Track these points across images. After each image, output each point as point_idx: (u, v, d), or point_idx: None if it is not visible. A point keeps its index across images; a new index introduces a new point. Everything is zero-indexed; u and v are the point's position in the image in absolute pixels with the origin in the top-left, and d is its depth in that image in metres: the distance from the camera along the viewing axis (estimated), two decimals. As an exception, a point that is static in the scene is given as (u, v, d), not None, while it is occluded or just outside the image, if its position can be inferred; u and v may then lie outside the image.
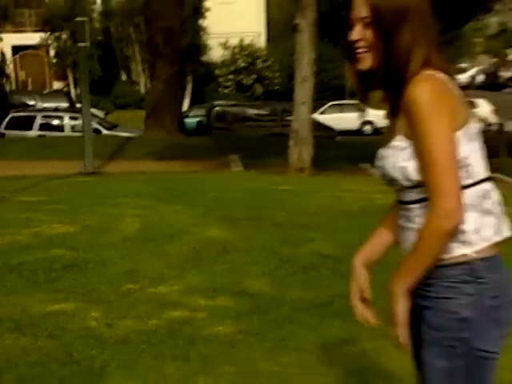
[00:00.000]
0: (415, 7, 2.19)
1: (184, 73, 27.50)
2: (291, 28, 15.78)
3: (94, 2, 39.36)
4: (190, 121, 27.02)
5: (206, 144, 20.59)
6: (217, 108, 27.95)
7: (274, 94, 38.13)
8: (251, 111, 27.33)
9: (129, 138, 21.71)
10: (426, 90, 2.12)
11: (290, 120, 15.82)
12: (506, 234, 2.23)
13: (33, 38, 40.30)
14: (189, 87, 36.18)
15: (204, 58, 40.52)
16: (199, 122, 27.00)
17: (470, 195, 2.16)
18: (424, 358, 2.29)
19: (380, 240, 2.52)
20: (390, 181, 2.27)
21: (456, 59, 56.53)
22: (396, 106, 2.24)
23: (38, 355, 4.55)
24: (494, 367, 2.22)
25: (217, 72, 40.55)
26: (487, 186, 2.22)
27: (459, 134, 2.15)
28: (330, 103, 32.80)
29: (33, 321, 5.16)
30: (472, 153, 2.19)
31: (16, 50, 41.97)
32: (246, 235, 7.49)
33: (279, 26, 45.97)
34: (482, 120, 32.88)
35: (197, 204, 9.37)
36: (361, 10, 2.20)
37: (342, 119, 29.40)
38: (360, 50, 2.22)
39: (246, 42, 41.41)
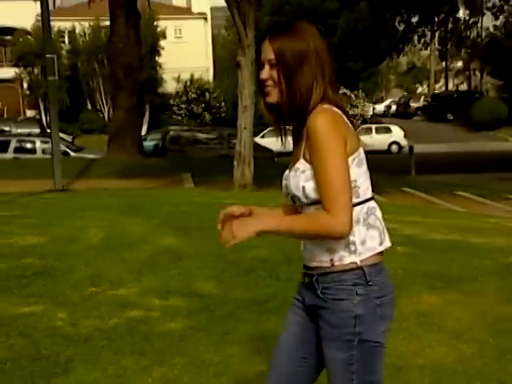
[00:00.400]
0: (314, 51, 2.25)
1: (142, 102, 27.30)
2: (235, 64, 15.84)
3: (63, 41, 39.04)
4: (148, 144, 26.84)
5: (162, 164, 20.55)
6: (171, 132, 27.87)
7: (220, 120, 38.29)
8: (201, 135, 27.31)
9: (94, 159, 21.44)
10: (325, 121, 2.18)
11: (235, 143, 15.85)
12: (387, 244, 2.33)
13: (8, 72, 39.74)
14: (147, 115, 35.96)
15: (160, 90, 40.44)
16: (156, 145, 26.85)
17: (357, 212, 2.25)
18: (325, 354, 2.34)
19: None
20: (292, 198, 2.34)
21: (373, 92, 57.64)
22: (298, 134, 2.31)
23: (10, 352, 4.44)
24: (382, 355, 2.33)
25: (171, 102, 40.54)
26: (372, 204, 2.32)
27: (351, 159, 2.22)
28: (269, 128, 32.99)
29: (5, 321, 5.05)
30: (360, 176, 2.28)
31: (-6, 83, 41.37)
32: (196, 243, 7.42)
33: (224, 62, 46.33)
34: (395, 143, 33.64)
35: (153, 216, 9.27)
36: (268, 53, 2.26)
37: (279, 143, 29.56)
38: (268, 87, 2.28)
39: (196, 76, 41.51)
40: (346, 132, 2.22)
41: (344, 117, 2.25)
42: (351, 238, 2.24)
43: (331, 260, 2.27)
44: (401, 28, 37.41)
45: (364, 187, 2.30)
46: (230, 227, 2.29)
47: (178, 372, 4.10)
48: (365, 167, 2.31)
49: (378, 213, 2.34)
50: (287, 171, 2.35)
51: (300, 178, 2.25)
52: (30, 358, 4.33)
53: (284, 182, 2.37)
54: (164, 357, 4.33)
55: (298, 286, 2.51)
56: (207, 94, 40.89)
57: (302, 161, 2.27)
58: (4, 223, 9.06)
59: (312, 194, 2.23)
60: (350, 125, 2.26)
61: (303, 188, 2.24)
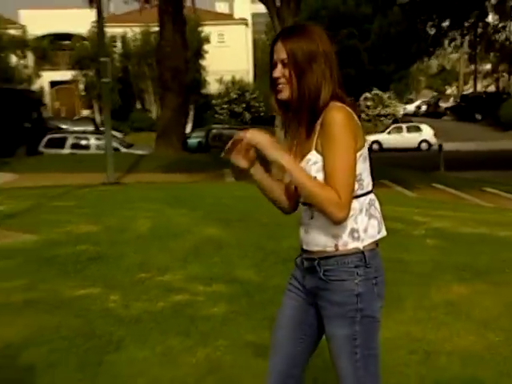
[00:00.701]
0: (323, 52, 2.30)
1: (188, 102, 27.41)
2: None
3: (116, 46, 39.41)
4: (192, 141, 27.02)
5: (205, 160, 20.61)
6: (214, 130, 28.01)
7: (259, 119, 38.23)
8: (241, 133, 27.32)
9: (142, 155, 21.67)
10: (342, 116, 2.25)
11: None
12: (384, 233, 2.41)
13: (66, 74, 40.48)
14: (191, 114, 36.10)
15: (203, 91, 40.66)
16: (199, 142, 26.99)
17: (361, 202, 2.34)
18: (328, 332, 2.41)
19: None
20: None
21: (404, 92, 56.91)
22: (310, 128, 2.34)
23: (67, 331, 4.51)
24: (379, 329, 2.41)
25: (213, 102, 40.69)
26: (372, 196, 2.39)
27: (358, 154, 2.29)
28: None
29: (63, 303, 5.13)
30: (364, 170, 2.35)
31: (53, 84, 42.05)
32: (237, 234, 7.44)
33: (264, 65, 46.12)
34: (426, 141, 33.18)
35: (197, 208, 9.31)
36: (281, 53, 2.31)
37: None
38: (280, 85, 2.34)
39: (237, 78, 41.58)
40: (356, 129, 2.28)
41: (354, 115, 2.31)
42: (355, 225, 2.32)
43: (336, 245, 2.33)
44: (432, 32, 36.77)
45: (367, 181, 2.36)
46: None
47: (221, 353, 4.11)
48: (368, 163, 2.38)
49: (377, 204, 2.41)
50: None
51: (311, 169, 2.31)
52: (84, 337, 4.39)
53: None
54: (208, 338, 4.35)
55: (293, 272, 2.56)
56: (247, 94, 40.92)
57: (313, 152, 2.32)
58: (61, 213, 9.21)
59: None
60: (359, 123, 2.33)
61: (314, 178, 2.28)
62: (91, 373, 3.89)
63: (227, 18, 47.81)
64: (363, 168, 2.34)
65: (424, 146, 33.59)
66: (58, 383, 3.81)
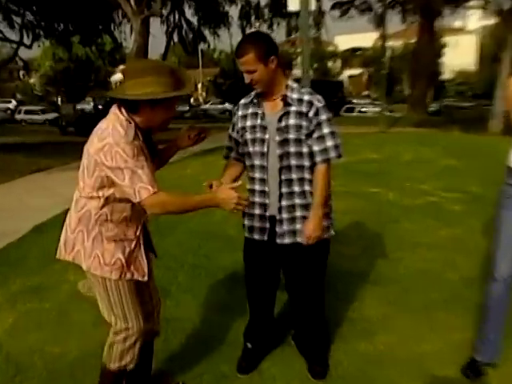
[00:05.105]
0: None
1: (430, 85, 24.25)
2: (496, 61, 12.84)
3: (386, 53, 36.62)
4: (431, 109, 23.13)
5: (439, 120, 17.53)
6: (445, 103, 24.49)
7: (477, 96, 32.07)
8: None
9: (399, 117, 19.63)
10: None
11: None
12: None
13: (356, 71, 39.25)
14: (431, 92, 32.14)
15: (440, 78, 35.52)
16: (435, 110, 23.74)
17: None
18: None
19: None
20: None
21: None
22: None
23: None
24: None
25: (446, 84, 35.49)
26: None
27: None
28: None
29: (364, 194, 4.93)
30: None
31: (349, 77, 40.99)
32: (469, 163, 6.42)
33: (485, 58, 38.19)
34: None
35: (437, 146, 8.12)
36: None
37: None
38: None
39: (464, 69, 35.39)
40: None
41: None
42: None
43: None
44: None
45: None
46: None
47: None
48: None
49: None
50: None
51: None
52: (375, 214, 4.12)
53: None
54: (450, 222, 3.87)
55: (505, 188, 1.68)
56: (470, 79, 34.55)
57: None
58: (358, 147, 8.46)
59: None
60: None
61: None
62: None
63: (459, 30, 40.59)
64: None
65: None
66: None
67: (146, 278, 1.42)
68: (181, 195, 1.30)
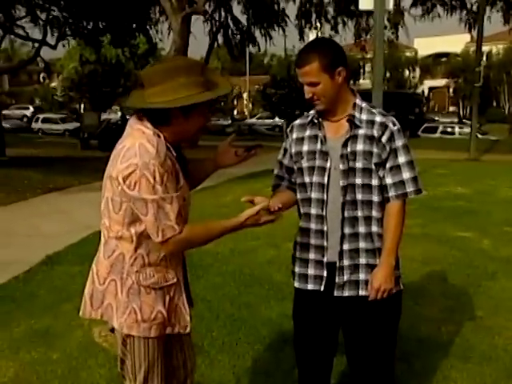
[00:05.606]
0: None
1: None
2: None
3: (481, 59, 36.05)
4: None
5: None
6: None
7: None
8: None
9: (495, 140, 19.48)
10: None
11: None
12: None
13: (441, 82, 38.92)
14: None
15: None
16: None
17: None
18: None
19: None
20: None
21: None
22: None
23: (452, 259, 4.27)
24: None
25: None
26: None
27: None
28: None
29: (448, 239, 4.93)
30: None
31: (430, 89, 40.94)
32: None
33: None
34: None
35: None
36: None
37: None
38: None
39: None
40: None
41: None
42: None
43: None
44: None
45: None
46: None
47: None
48: None
49: None
50: None
51: None
52: (464, 266, 4.11)
53: None
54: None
55: None
56: None
57: None
58: (440, 177, 8.98)
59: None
60: None
61: None
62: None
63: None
64: None
65: None
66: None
67: (188, 330, 1.33)
68: (204, 224, 1.27)
